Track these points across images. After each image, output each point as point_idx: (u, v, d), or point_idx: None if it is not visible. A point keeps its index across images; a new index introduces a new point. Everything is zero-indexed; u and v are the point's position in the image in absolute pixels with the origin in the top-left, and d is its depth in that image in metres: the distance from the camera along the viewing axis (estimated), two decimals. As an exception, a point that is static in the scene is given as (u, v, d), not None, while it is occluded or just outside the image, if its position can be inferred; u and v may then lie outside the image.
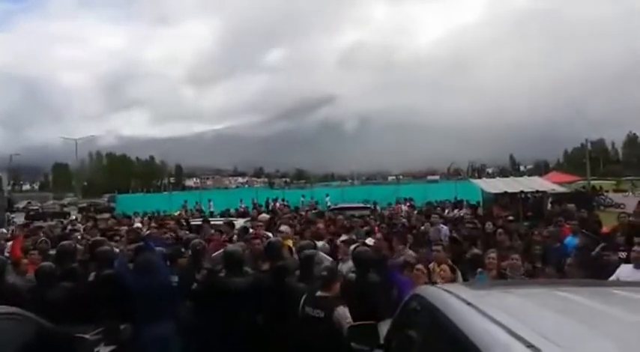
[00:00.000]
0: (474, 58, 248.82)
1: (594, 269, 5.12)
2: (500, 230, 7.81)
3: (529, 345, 1.49)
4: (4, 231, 10.52)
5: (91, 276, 5.18)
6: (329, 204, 25.07)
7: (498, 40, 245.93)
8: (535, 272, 5.50)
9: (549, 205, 15.20)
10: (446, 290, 2.51)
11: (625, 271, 5.19)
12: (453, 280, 4.94)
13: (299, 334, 4.22)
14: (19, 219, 25.27)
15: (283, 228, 8.84)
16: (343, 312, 4.09)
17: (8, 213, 16.65)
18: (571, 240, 7.75)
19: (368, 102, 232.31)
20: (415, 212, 15.31)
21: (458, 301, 2.18)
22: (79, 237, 9.14)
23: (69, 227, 11.72)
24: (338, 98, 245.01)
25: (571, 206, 12.38)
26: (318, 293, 4.26)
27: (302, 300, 4.32)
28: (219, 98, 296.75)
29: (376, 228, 9.47)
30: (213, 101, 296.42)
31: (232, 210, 20.63)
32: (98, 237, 7.75)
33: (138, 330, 4.52)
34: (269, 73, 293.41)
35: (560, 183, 19.89)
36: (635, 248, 5.29)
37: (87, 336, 3.57)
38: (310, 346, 4.11)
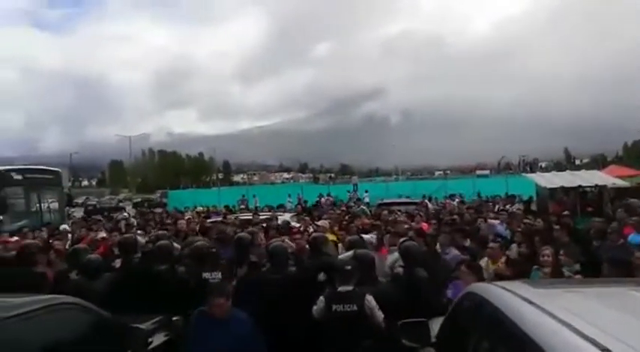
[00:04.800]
0: (524, 48, 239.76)
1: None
2: (557, 226, 7.43)
3: (604, 349, 1.38)
4: (67, 226, 11.06)
5: (144, 269, 5.32)
6: (367, 200, 24.77)
7: (549, 28, 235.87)
8: (594, 271, 5.19)
9: (610, 200, 14.37)
10: (504, 288, 2.40)
11: None
12: (510, 278, 4.73)
13: (333, 333, 4.11)
14: (78, 213, 26.64)
15: (321, 222, 8.83)
16: (372, 301, 4.07)
17: (68, 208, 17.49)
18: (634, 237, 7.29)
19: (413, 95, 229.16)
20: (465, 207, 14.89)
21: (518, 299, 2.08)
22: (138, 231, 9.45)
23: (123, 222, 12.21)
24: (383, 92, 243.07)
25: (634, 201, 11.62)
26: (341, 289, 4.15)
27: (323, 300, 4.16)
28: (265, 94, 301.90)
29: (424, 224, 9.26)
30: (259, 97, 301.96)
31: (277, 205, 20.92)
32: (159, 232, 7.99)
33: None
34: (314, 68, 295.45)
35: (621, 177, 18.76)
36: None
37: (142, 326, 3.68)
38: (351, 342, 4.03)
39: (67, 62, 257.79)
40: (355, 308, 4.03)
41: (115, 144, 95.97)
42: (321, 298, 4.15)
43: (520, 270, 4.55)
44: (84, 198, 53.38)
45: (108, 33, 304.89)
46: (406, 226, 8.09)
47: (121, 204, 43.54)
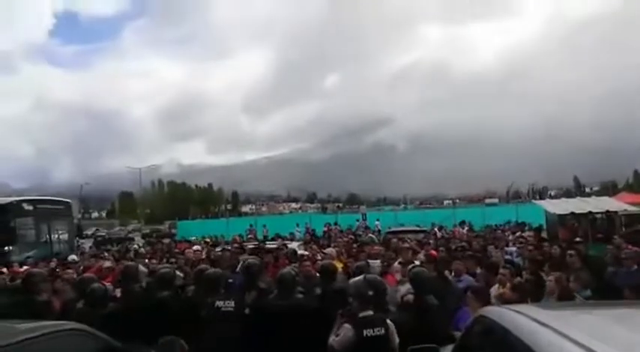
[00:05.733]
0: (531, 75, 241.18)
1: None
2: (571, 251, 7.33)
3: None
4: (75, 257, 11.10)
5: (146, 297, 5.31)
6: (379, 228, 24.67)
7: (555, 54, 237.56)
8: (607, 296, 5.09)
9: (621, 227, 14.17)
10: (515, 311, 2.37)
11: None
12: (514, 303, 4.66)
13: None
14: (88, 244, 26.72)
15: (329, 250, 8.80)
16: (392, 324, 4.05)
17: (77, 239, 17.58)
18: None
19: (421, 123, 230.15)
20: (474, 235, 14.75)
21: (529, 321, 2.05)
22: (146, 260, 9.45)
23: (132, 251, 12.22)
24: (390, 121, 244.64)
25: (646, 227, 11.48)
26: (363, 314, 4.08)
27: (350, 327, 4.01)
28: (273, 125, 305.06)
29: (433, 252, 9.16)
30: (267, 128, 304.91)
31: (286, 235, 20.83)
32: (165, 265, 7.98)
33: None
34: (322, 99, 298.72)
35: (632, 204, 18.55)
36: None
37: (147, 352, 3.64)
38: None
39: (80, 96, 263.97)
40: (383, 331, 3.98)
41: (125, 176, 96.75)
42: (347, 326, 4.01)
43: (524, 295, 4.47)
44: (94, 229, 53.62)
45: (121, 68, 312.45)
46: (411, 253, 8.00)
47: (130, 235, 43.64)
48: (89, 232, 47.96)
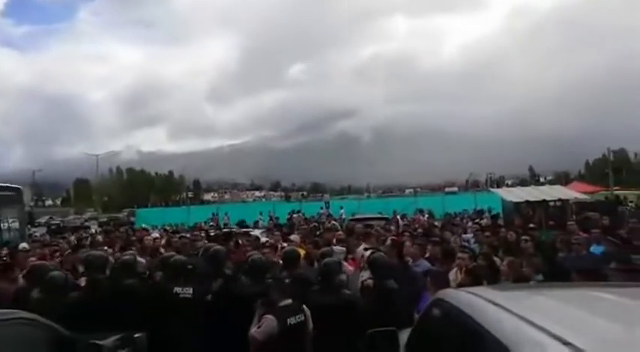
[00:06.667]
0: (493, 69, 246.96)
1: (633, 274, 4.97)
2: (524, 237, 7.61)
3: (566, 343, 1.40)
4: (26, 245, 10.64)
5: (112, 286, 5.18)
6: (343, 216, 24.89)
7: (517, 50, 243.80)
8: (557, 280, 5.33)
9: (572, 214, 14.84)
10: (470, 293, 2.42)
11: None
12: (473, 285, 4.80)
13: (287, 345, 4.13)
14: (40, 233, 25.67)
15: (293, 237, 8.82)
16: (307, 310, 4.26)
17: (29, 227, 16.86)
18: (596, 248, 7.56)
19: (385, 115, 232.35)
20: (434, 222, 15.09)
21: (484, 302, 2.10)
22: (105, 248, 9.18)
23: (88, 239, 11.83)
24: (355, 111, 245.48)
25: (594, 214, 12.05)
26: (284, 303, 4.19)
27: (273, 318, 4.06)
28: (237, 113, 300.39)
29: (394, 238, 9.30)
30: (231, 116, 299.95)
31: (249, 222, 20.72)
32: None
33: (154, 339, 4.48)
34: (287, 88, 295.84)
35: (583, 193, 19.46)
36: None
37: (101, 343, 3.54)
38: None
39: (34, 79, 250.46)
40: (303, 318, 4.15)
41: (81, 163, 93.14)
42: (269, 316, 4.03)
43: (478, 279, 4.61)
44: (47, 217, 51.59)
45: (78, 51, 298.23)
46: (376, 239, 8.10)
47: (86, 223, 42.23)
48: (42, 220, 46.13)
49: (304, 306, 4.22)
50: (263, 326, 4.01)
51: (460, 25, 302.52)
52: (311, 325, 4.20)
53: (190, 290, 5.02)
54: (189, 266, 5.48)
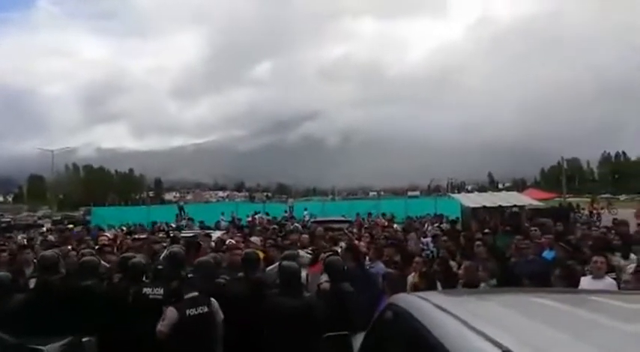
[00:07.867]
0: (457, 76, 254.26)
1: (574, 280, 5.18)
2: (478, 242, 7.82)
3: (505, 350, 1.43)
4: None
5: (63, 287, 5.04)
6: (307, 218, 24.86)
7: (481, 58, 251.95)
8: (510, 285, 5.50)
9: (527, 220, 15.36)
10: (420, 297, 2.45)
11: (585, 282, 5.40)
12: (428, 289, 4.89)
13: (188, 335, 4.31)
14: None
15: (254, 239, 8.79)
16: (216, 303, 4.57)
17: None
18: (548, 253, 7.82)
19: (351, 117, 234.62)
20: (395, 225, 15.30)
21: (432, 307, 2.12)
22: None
23: (40, 238, 11.34)
24: (321, 113, 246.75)
25: (548, 220, 12.51)
26: (189, 296, 4.48)
27: (174, 310, 4.35)
28: (201, 112, 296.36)
29: (357, 241, 9.37)
30: (194, 115, 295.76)
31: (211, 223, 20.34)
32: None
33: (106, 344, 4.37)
34: (252, 88, 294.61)
35: (538, 200, 20.19)
36: (594, 258, 5.60)
37: (43, 348, 3.40)
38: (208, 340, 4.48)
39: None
40: (207, 309, 4.37)
41: (35, 159, 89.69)
42: (170, 309, 4.32)
43: (432, 283, 4.71)
44: (-3, 214, 49.21)
45: (34, 42, 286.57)
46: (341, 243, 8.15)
47: (39, 221, 40.59)
48: (-9, 218, 43.98)
49: (212, 299, 4.49)
50: (166, 318, 4.25)
51: (426, 31, 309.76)
52: (221, 316, 4.48)
53: (161, 291, 5.01)
54: (160, 267, 5.54)
